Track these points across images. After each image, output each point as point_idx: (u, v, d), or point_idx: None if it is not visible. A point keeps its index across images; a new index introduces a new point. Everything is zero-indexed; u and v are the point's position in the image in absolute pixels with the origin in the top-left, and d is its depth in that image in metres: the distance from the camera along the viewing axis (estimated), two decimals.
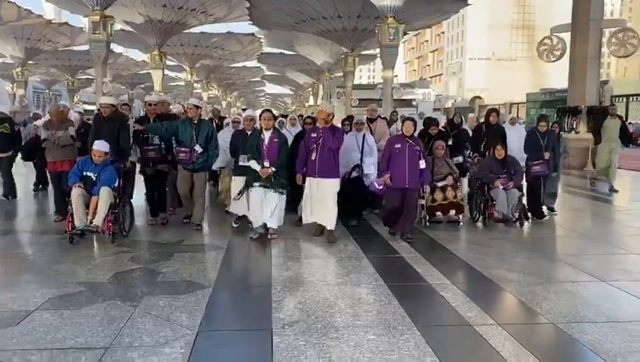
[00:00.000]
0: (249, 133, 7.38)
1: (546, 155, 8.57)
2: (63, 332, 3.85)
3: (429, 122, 8.92)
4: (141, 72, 51.10)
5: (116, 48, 38.13)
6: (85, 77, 48.87)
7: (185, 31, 29.28)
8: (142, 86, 60.75)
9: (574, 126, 16.81)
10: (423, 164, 7.00)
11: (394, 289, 4.89)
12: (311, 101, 52.08)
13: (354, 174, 7.72)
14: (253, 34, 35.55)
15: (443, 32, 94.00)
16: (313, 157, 6.83)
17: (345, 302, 4.59)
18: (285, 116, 10.84)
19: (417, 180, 7.03)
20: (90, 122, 8.34)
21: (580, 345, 3.77)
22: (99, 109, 7.70)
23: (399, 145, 6.97)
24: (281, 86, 69.72)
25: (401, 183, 6.95)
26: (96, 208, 6.47)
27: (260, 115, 7.23)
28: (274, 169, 6.75)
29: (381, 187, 7.20)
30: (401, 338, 3.78)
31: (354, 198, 7.74)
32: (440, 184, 7.97)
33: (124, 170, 7.34)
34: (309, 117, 9.25)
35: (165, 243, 6.71)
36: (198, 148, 7.19)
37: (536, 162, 8.52)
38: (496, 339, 3.79)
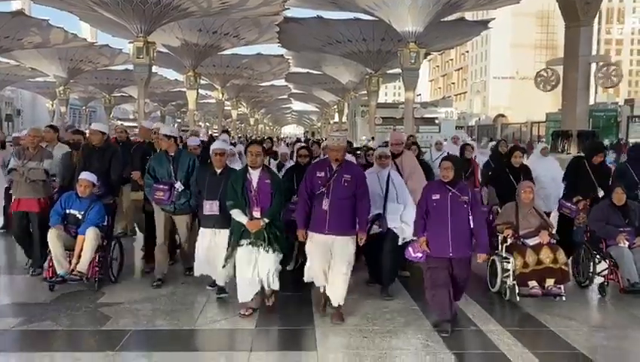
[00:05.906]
0: (218, 171, 5.66)
1: None
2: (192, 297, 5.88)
3: (514, 149, 7.13)
4: (173, 90, 53.32)
5: None
6: (120, 94, 51.31)
7: (218, 53, 31.03)
8: (173, 103, 63.17)
9: (566, 147, 18.84)
10: (474, 223, 4.88)
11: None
12: (336, 118, 53.54)
13: (375, 229, 5.50)
14: (281, 55, 37.12)
15: (467, 51, 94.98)
16: (324, 206, 4.96)
17: None
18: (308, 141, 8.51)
19: (467, 246, 4.86)
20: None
21: None
22: (88, 138, 6.75)
23: (437, 196, 4.85)
24: (307, 103, 71.41)
25: (442, 251, 4.82)
26: (81, 251, 5.58)
27: (246, 149, 5.50)
28: (267, 220, 5.06)
29: (419, 255, 4.99)
30: None
31: (377, 262, 5.80)
32: (532, 242, 5.77)
33: (113, 205, 6.52)
34: (303, 146, 7.14)
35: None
36: (178, 186, 5.90)
37: None
38: None
